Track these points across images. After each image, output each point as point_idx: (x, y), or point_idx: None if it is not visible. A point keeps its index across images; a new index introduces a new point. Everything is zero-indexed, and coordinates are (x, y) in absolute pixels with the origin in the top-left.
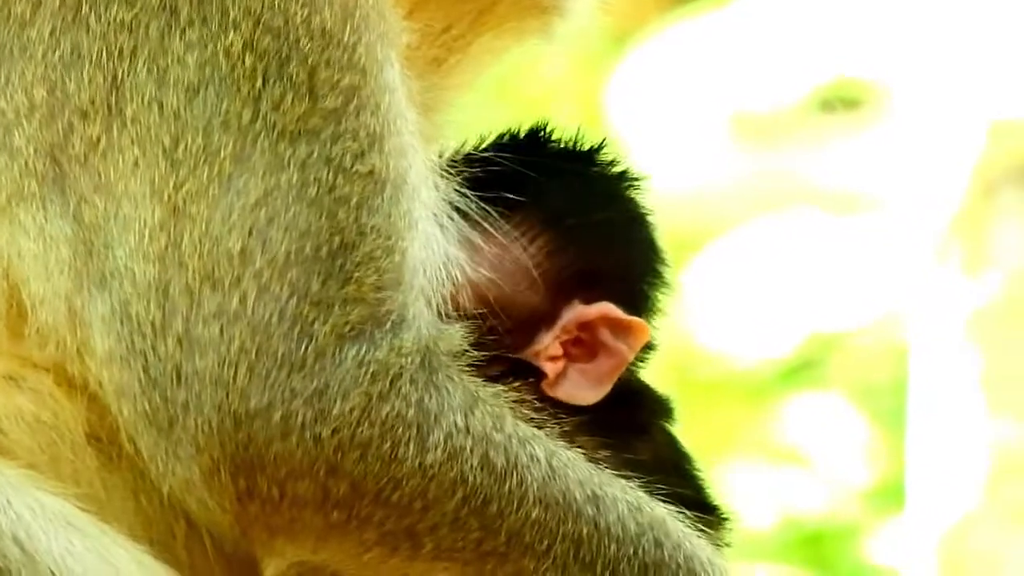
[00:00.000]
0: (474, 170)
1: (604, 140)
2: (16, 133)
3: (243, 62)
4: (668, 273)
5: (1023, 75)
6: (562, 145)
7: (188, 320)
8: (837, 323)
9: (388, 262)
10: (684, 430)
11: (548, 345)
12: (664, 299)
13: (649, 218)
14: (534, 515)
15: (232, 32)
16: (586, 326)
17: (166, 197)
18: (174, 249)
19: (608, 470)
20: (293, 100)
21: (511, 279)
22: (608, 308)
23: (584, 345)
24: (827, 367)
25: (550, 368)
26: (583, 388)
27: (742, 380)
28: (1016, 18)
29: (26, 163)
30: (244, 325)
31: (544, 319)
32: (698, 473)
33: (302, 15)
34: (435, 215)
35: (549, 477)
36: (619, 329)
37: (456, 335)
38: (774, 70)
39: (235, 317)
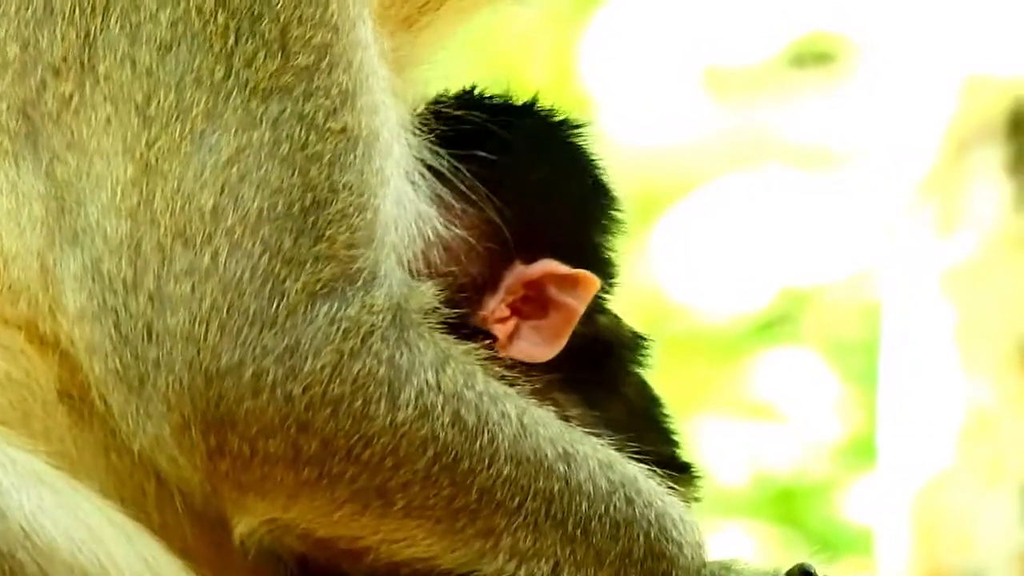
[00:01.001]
0: (415, 129)
1: (537, 93)
2: None
3: (215, 19)
4: (616, 215)
5: (997, 31)
6: (495, 102)
7: (159, 277)
8: (810, 279)
9: (360, 219)
10: (656, 386)
11: (494, 308)
12: (616, 241)
13: (591, 164)
14: (505, 472)
15: None
16: (532, 284)
17: (138, 154)
18: (146, 206)
19: (579, 428)
20: (265, 57)
21: (449, 249)
22: (549, 265)
23: (534, 302)
24: (799, 323)
25: (500, 330)
26: (537, 345)
27: (714, 335)
28: None
29: None
30: (215, 282)
31: (487, 285)
32: (671, 429)
33: None
34: (407, 172)
35: (520, 434)
36: (564, 283)
37: (427, 292)
38: (746, 25)
39: (207, 274)
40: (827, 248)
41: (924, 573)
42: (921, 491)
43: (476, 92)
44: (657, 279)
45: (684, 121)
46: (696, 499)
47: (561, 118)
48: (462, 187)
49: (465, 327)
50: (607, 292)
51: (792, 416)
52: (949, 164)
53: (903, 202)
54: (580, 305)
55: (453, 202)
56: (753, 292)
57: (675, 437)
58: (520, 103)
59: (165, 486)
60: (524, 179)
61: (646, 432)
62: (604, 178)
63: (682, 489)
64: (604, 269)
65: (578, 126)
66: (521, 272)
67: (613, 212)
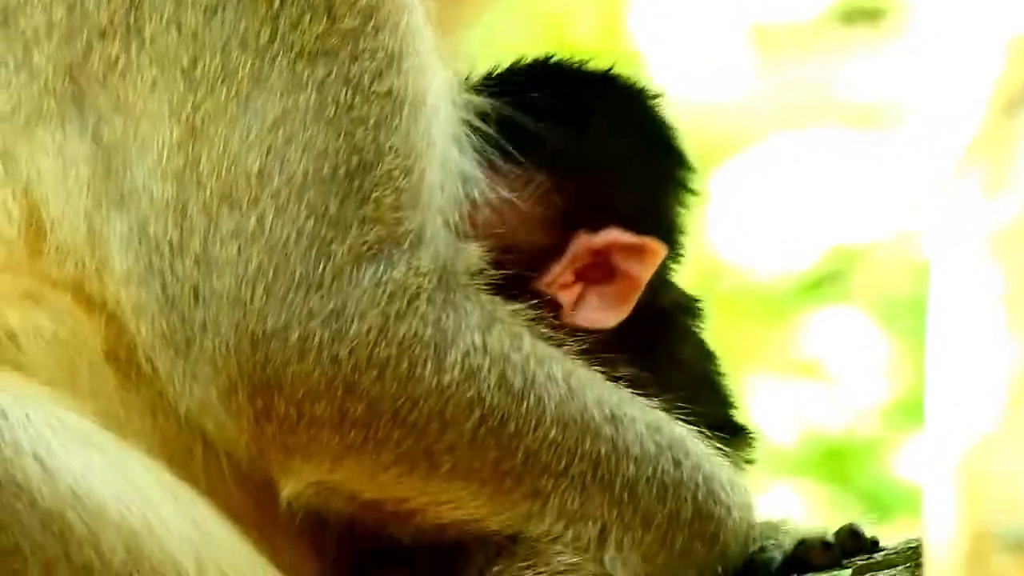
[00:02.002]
0: (481, 99)
1: (614, 64)
2: (35, 52)
3: None
4: (691, 184)
5: None
6: (572, 70)
7: (205, 240)
8: (859, 237)
9: (406, 182)
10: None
11: (559, 274)
12: (688, 212)
13: (667, 133)
14: (552, 435)
15: None
16: (598, 252)
17: (184, 117)
18: (192, 169)
19: (628, 389)
20: (311, 20)
21: (515, 218)
22: (615, 235)
23: (600, 269)
24: (849, 281)
25: (564, 296)
26: (602, 311)
27: (763, 294)
28: None
29: (45, 82)
30: (261, 245)
31: (552, 252)
32: (727, 392)
33: None
34: (453, 134)
35: (567, 396)
36: (631, 252)
37: (474, 254)
38: None
39: (252, 237)
40: (876, 206)
41: (972, 533)
42: (968, 451)
43: (552, 60)
44: (707, 238)
45: (732, 79)
46: (750, 461)
47: (639, 87)
48: (530, 154)
49: (528, 293)
50: (673, 261)
51: (841, 375)
52: (996, 125)
53: (951, 162)
54: (645, 273)
55: (520, 169)
56: (802, 250)
57: (731, 399)
58: (597, 71)
59: (211, 448)
60: (596, 148)
61: (702, 394)
62: (679, 148)
63: (736, 451)
64: (672, 238)
65: (655, 96)
66: (587, 240)
67: (687, 182)
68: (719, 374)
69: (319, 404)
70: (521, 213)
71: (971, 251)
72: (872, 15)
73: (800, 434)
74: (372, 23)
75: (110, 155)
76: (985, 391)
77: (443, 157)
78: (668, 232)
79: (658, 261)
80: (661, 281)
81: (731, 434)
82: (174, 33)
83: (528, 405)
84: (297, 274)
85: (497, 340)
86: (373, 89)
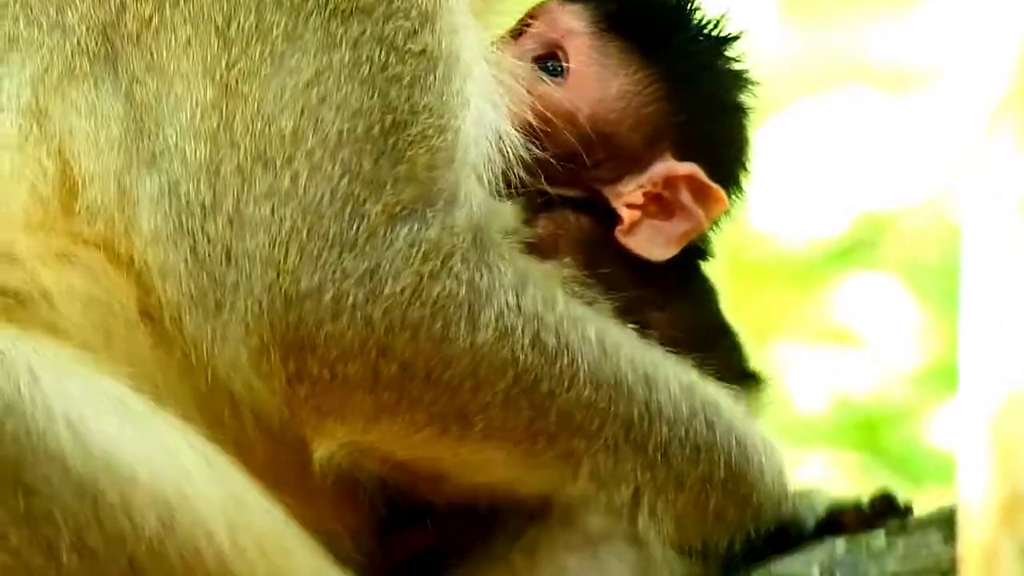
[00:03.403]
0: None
1: (740, 32)
2: (69, 11)
3: None
4: (751, 167)
5: None
6: (703, 19)
7: (239, 200)
8: (889, 203)
9: (440, 141)
10: (736, 311)
11: (631, 191)
12: (743, 190)
13: (749, 117)
14: (585, 395)
15: None
16: (670, 183)
17: (218, 76)
18: (226, 128)
19: (659, 347)
20: None
21: (616, 111)
22: (697, 169)
23: (663, 203)
24: (879, 247)
25: (627, 214)
26: (654, 244)
27: (794, 261)
28: None
29: (79, 41)
30: (295, 205)
31: (635, 162)
32: (736, 335)
33: None
34: (487, 92)
35: (600, 357)
36: (701, 193)
37: (508, 213)
38: None
39: (287, 197)
40: (906, 171)
41: (1005, 497)
42: (1001, 414)
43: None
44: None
45: (762, 44)
46: (765, 405)
47: (745, 67)
48: (662, 61)
49: (594, 201)
50: (718, 227)
51: (872, 342)
52: None
53: (981, 122)
54: (707, 219)
55: (650, 68)
56: (833, 217)
57: (742, 346)
58: (724, 32)
59: (242, 409)
60: (705, 89)
61: (713, 340)
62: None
63: (751, 397)
64: (732, 198)
65: (751, 82)
66: (671, 165)
67: (751, 162)
68: (728, 324)
69: (352, 365)
70: (634, 108)
71: (1004, 209)
72: None
73: (831, 401)
74: None
75: (143, 115)
76: (1018, 351)
77: (477, 115)
78: (731, 192)
79: (721, 212)
80: (704, 233)
81: (746, 380)
82: None
83: (561, 365)
84: (331, 234)
85: (531, 300)
86: (407, 47)
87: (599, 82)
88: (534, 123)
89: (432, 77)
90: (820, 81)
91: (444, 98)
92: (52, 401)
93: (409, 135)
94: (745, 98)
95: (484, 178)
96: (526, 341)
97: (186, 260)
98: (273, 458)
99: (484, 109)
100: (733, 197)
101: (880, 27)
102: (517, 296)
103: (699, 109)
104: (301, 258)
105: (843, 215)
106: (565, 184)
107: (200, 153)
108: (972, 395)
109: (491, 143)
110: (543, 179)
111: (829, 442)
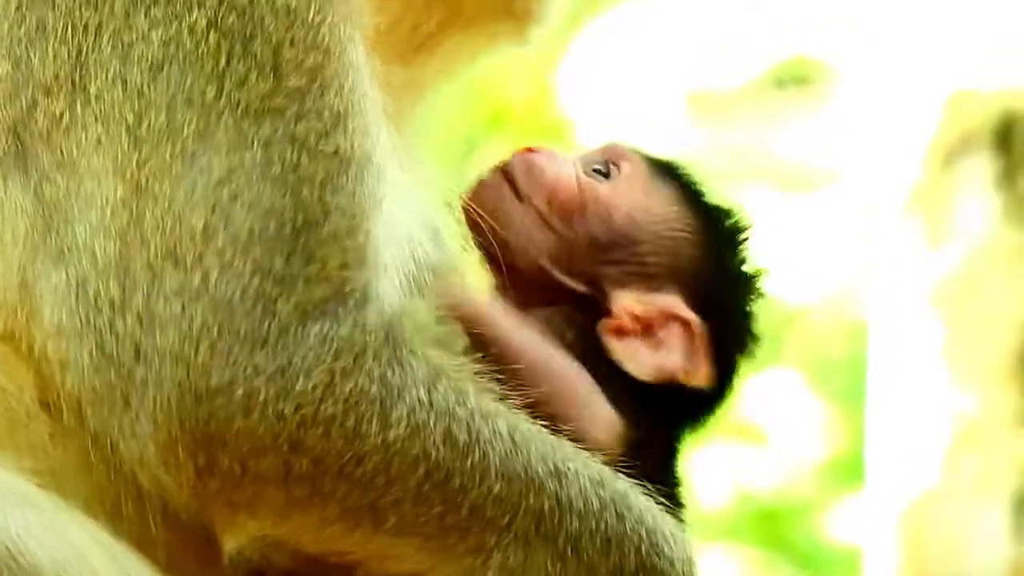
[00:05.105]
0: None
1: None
2: None
3: (207, 39)
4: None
5: (982, 44)
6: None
7: (149, 297)
8: (793, 299)
9: (352, 241)
10: None
11: (635, 301)
12: (728, 392)
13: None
14: (496, 490)
15: (196, 10)
16: (669, 319)
17: (129, 174)
18: (136, 226)
19: (570, 444)
20: (257, 78)
21: (651, 223)
22: (699, 324)
23: (651, 335)
24: (783, 343)
25: (621, 316)
26: (630, 357)
27: None
28: None
29: None
30: (206, 302)
31: (648, 279)
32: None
33: None
34: (398, 193)
35: (511, 452)
36: (693, 346)
37: (421, 310)
38: (729, 48)
39: (197, 294)
40: (810, 268)
41: None
42: (910, 507)
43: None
44: None
45: (669, 143)
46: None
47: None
48: (699, 211)
49: (596, 298)
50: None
51: (776, 437)
52: (936, 177)
53: (891, 216)
54: (684, 374)
55: (674, 208)
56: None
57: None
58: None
59: (148, 501)
60: (743, 276)
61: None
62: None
63: (675, 509)
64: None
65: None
66: (679, 303)
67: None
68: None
69: (264, 460)
70: (669, 232)
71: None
72: (802, 81)
73: (735, 496)
74: (318, 82)
75: (51, 212)
76: (926, 443)
77: (389, 216)
78: (718, 383)
79: (698, 380)
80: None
81: (669, 486)
82: (119, 90)
83: (473, 460)
84: (242, 331)
85: (443, 395)
86: (320, 148)
87: (644, 192)
88: (568, 205)
89: (344, 178)
90: (725, 179)
91: (356, 199)
92: None
93: (321, 235)
94: (759, 314)
95: (395, 277)
96: (438, 436)
97: (91, 355)
98: (179, 552)
99: (396, 210)
100: (718, 390)
101: (785, 128)
102: (429, 391)
103: (726, 287)
104: (212, 355)
105: None
106: (575, 277)
107: (110, 250)
108: (880, 487)
109: (402, 244)
110: (555, 261)
111: (733, 537)
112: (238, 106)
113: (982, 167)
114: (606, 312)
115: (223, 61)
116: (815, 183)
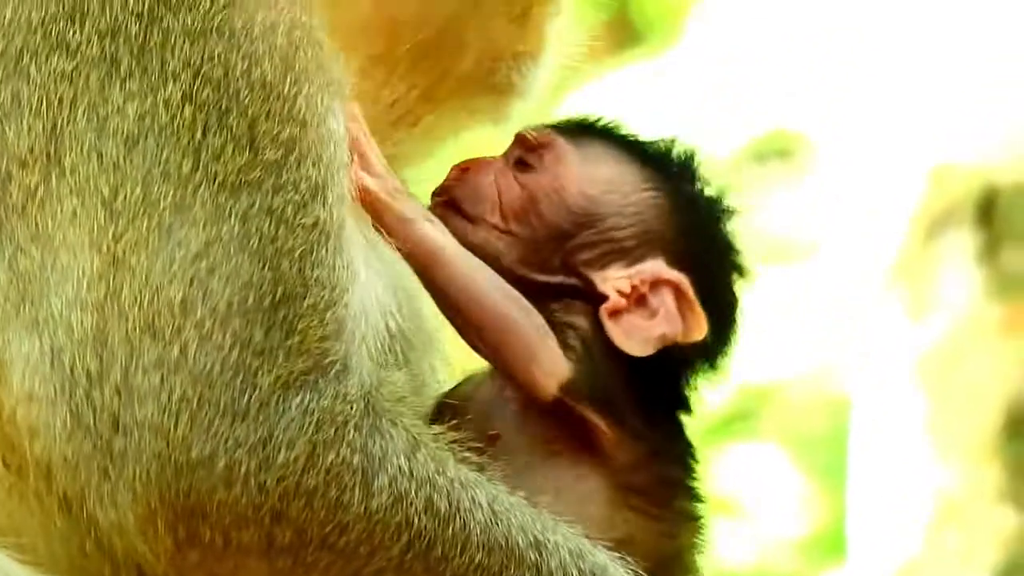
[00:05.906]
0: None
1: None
2: None
3: (183, 112)
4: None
5: (963, 120)
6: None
7: (127, 369)
8: (770, 374)
9: (331, 314)
10: None
11: (620, 278)
12: (726, 344)
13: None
14: (477, 559)
15: (172, 83)
16: (657, 285)
17: (105, 247)
18: (113, 299)
19: (551, 515)
20: (234, 151)
21: (604, 192)
22: (687, 282)
23: (645, 305)
24: (760, 418)
25: (614, 296)
26: (632, 339)
27: None
28: (952, 65)
29: None
30: (185, 375)
31: (624, 252)
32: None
33: (242, 67)
34: (369, 259)
35: (491, 521)
36: (685, 305)
37: (397, 380)
38: (708, 121)
39: (176, 367)
40: (791, 342)
41: None
42: None
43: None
44: None
45: None
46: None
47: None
48: (669, 174)
49: (581, 285)
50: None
51: (754, 512)
52: (918, 251)
53: (873, 289)
54: (683, 334)
55: (658, 172)
56: (714, 388)
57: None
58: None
59: (124, 573)
60: (716, 244)
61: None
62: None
63: None
64: (715, 347)
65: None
66: (663, 267)
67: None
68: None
69: (246, 531)
70: (625, 195)
71: (894, 375)
72: (782, 155)
73: (714, 572)
74: (295, 155)
75: (26, 284)
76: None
77: (364, 285)
78: (713, 336)
79: (699, 335)
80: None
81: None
82: (95, 163)
83: (454, 529)
84: (222, 403)
85: (422, 464)
86: (298, 221)
87: (582, 165)
88: (518, 207)
89: (324, 251)
90: None
91: (335, 271)
92: None
93: (301, 308)
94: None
95: (372, 347)
96: (420, 505)
97: (65, 424)
98: None
99: (368, 278)
100: (713, 341)
101: (764, 201)
102: (409, 461)
103: (698, 229)
104: (192, 427)
105: (724, 386)
106: (553, 271)
107: (87, 323)
108: (862, 565)
109: (376, 313)
110: (529, 264)
111: None
112: (215, 179)
113: (964, 240)
114: (601, 297)
115: (199, 134)
116: (796, 256)
